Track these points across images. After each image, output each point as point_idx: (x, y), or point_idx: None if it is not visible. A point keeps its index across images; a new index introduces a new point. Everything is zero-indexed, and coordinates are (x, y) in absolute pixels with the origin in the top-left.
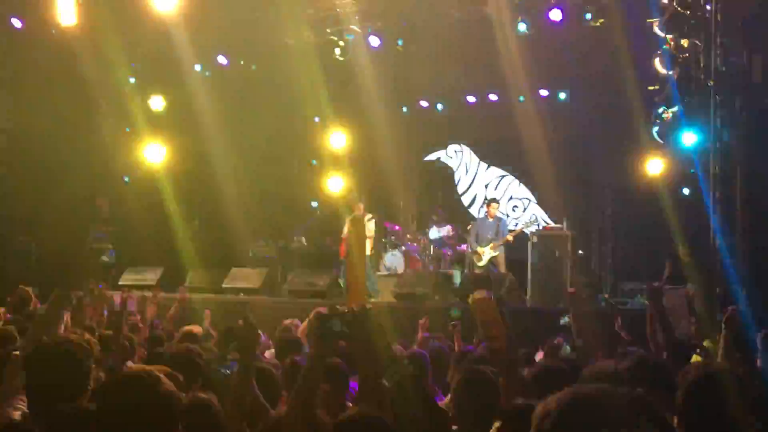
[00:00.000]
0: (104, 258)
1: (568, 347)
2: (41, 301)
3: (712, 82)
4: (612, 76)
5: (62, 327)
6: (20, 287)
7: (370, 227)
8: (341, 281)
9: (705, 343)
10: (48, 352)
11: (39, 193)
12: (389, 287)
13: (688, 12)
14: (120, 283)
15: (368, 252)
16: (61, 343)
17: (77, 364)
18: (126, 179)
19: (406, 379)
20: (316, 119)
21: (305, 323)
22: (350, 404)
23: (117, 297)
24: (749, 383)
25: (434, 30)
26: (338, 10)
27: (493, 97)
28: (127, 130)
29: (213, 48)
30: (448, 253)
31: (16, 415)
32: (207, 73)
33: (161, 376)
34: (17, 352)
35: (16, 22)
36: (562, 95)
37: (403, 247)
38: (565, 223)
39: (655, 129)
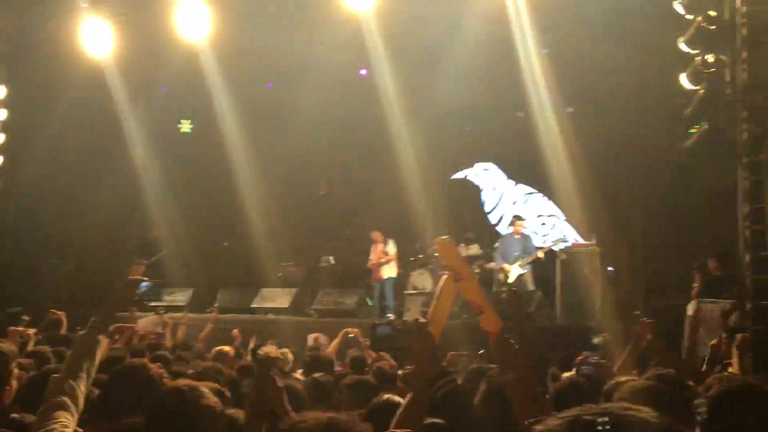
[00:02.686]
0: (141, 287)
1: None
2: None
3: (739, 97)
4: (638, 91)
5: (98, 352)
6: (52, 311)
7: (391, 250)
8: (369, 300)
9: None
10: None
11: (72, 217)
12: (417, 306)
13: (714, 27)
14: (151, 304)
15: (394, 274)
16: (136, 366)
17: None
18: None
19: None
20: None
21: (335, 342)
22: None
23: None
24: None
25: (459, 49)
26: (364, 31)
27: (519, 114)
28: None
29: (240, 71)
30: (476, 271)
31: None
32: (233, 95)
33: (205, 390)
34: (56, 375)
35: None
36: (589, 111)
37: (431, 266)
38: (594, 240)
39: (684, 144)
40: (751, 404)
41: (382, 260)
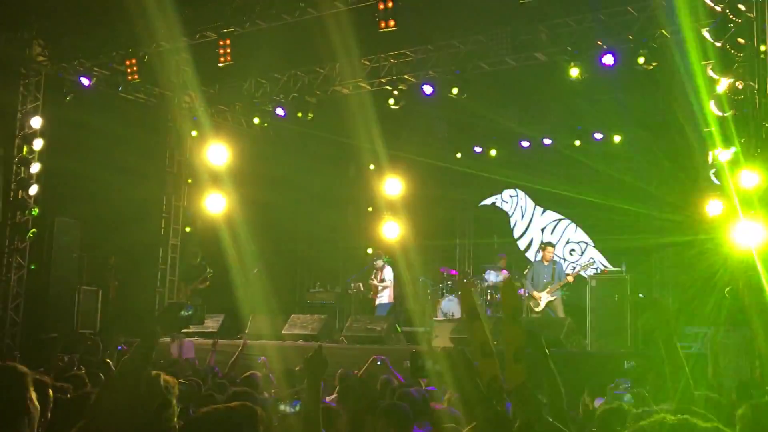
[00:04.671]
0: (183, 312)
1: (629, 395)
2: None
3: None
4: (666, 117)
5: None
6: (88, 338)
7: (388, 275)
8: (399, 327)
9: None
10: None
11: (106, 243)
12: (446, 332)
13: (742, 54)
14: (182, 330)
15: (386, 300)
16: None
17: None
18: (187, 229)
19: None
20: (372, 167)
21: (363, 368)
22: None
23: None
24: None
25: (488, 76)
26: (392, 60)
27: (547, 141)
28: (190, 181)
29: (270, 100)
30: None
31: None
32: (265, 125)
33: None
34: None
35: (84, 81)
36: (617, 138)
37: (460, 293)
38: (623, 267)
39: (712, 171)
40: None
41: (378, 287)
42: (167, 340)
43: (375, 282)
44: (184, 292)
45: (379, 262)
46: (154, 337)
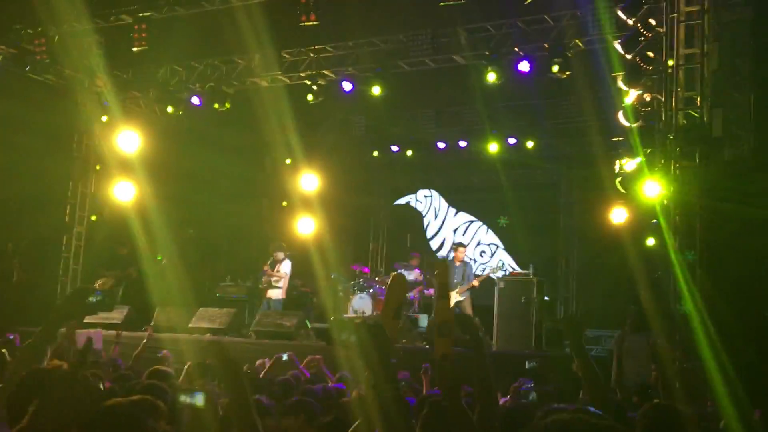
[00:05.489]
0: (91, 298)
1: (534, 393)
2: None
3: (672, 136)
4: (578, 125)
5: (45, 362)
6: None
7: (285, 269)
8: (308, 323)
9: None
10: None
11: (7, 229)
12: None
13: (651, 68)
14: (84, 321)
15: (282, 296)
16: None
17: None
18: (93, 217)
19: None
20: (288, 161)
21: (268, 365)
22: None
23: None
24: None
25: (407, 76)
26: (312, 54)
27: (462, 143)
28: (98, 168)
29: (186, 89)
30: (416, 297)
31: None
32: (179, 113)
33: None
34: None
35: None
36: (530, 144)
37: (371, 290)
38: (531, 269)
39: (618, 179)
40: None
41: (273, 279)
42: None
43: (270, 272)
44: (106, 281)
45: (280, 254)
46: (57, 323)
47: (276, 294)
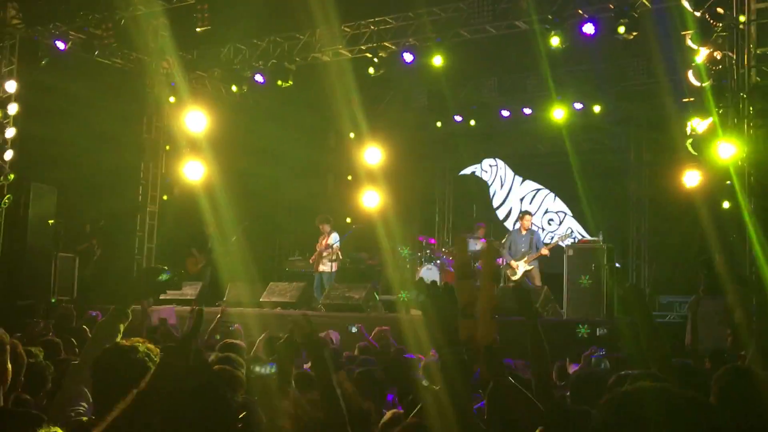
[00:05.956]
0: (161, 277)
1: (606, 361)
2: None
3: (746, 94)
4: (647, 87)
5: (118, 340)
6: (63, 305)
7: (334, 240)
8: (377, 295)
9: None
10: (116, 357)
11: (83, 210)
12: None
13: (721, 24)
14: (160, 297)
15: (329, 268)
16: (129, 348)
17: (144, 367)
18: (165, 197)
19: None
20: (352, 135)
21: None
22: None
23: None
24: None
25: (468, 45)
26: (372, 27)
27: (527, 110)
28: (168, 148)
29: (249, 67)
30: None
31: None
32: (244, 90)
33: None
34: (76, 362)
35: (60, 45)
36: (597, 108)
37: (439, 261)
38: (600, 236)
39: (690, 141)
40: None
41: (324, 253)
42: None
43: (320, 248)
44: (198, 259)
45: (326, 227)
46: (128, 302)
47: (327, 267)
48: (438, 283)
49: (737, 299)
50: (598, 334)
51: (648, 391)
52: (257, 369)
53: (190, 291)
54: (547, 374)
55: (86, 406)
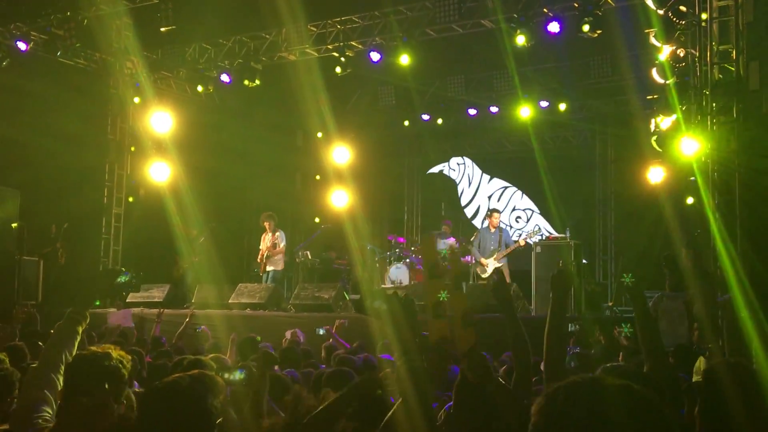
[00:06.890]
0: (119, 279)
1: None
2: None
3: (708, 91)
4: (612, 85)
5: (77, 343)
6: (27, 307)
7: (281, 240)
8: (346, 295)
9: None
10: (89, 363)
11: (47, 212)
12: None
13: (684, 22)
14: (127, 300)
15: (279, 267)
16: (102, 355)
17: (119, 376)
18: (130, 199)
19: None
20: (319, 134)
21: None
22: None
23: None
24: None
25: (434, 44)
26: (339, 26)
27: (493, 109)
28: (133, 149)
29: (215, 67)
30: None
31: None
32: (210, 91)
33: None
34: (35, 366)
35: (21, 45)
36: (562, 106)
37: (408, 260)
38: (568, 233)
39: (654, 138)
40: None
41: (272, 252)
42: (112, 310)
43: (265, 246)
44: (179, 266)
45: (271, 224)
46: (86, 304)
47: (276, 265)
48: (399, 294)
49: (698, 293)
50: (570, 330)
51: (609, 387)
52: (225, 376)
53: (157, 293)
54: (530, 365)
55: (50, 411)
